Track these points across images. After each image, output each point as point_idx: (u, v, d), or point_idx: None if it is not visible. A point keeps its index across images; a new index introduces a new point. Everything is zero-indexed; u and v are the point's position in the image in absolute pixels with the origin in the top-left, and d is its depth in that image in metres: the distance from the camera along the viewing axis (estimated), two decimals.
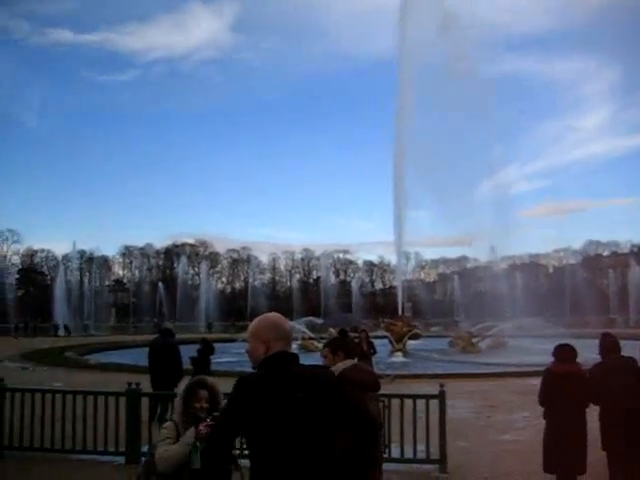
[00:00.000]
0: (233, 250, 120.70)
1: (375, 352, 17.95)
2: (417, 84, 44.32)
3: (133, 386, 10.01)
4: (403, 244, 46.24)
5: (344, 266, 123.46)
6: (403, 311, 43.49)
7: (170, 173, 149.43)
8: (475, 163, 49.15)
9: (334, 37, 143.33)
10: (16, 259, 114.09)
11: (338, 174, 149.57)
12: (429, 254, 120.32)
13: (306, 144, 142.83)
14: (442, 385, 9.57)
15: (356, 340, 15.70)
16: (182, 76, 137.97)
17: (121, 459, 9.84)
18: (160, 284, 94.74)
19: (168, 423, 5.00)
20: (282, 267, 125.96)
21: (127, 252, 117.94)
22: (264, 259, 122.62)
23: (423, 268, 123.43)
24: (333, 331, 37.59)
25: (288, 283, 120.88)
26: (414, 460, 9.28)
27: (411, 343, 37.21)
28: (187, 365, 14.46)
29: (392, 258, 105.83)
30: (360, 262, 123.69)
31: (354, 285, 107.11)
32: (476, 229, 50.05)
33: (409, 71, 43.95)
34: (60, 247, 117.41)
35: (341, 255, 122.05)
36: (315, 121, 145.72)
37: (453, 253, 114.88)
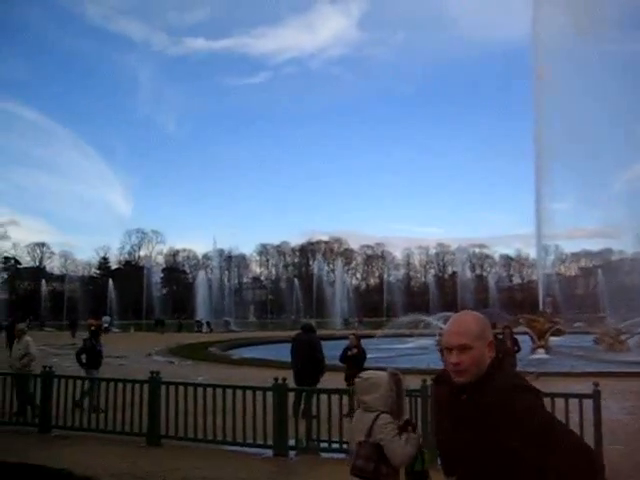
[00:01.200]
0: (367, 246, 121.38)
1: (519, 349, 17.43)
2: (554, 70, 42.52)
3: (280, 381, 10.24)
4: (543, 237, 44.48)
5: (480, 260, 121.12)
6: (544, 306, 41.92)
7: (304, 172, 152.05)
8: (620, 150, 46.53)
9: (463, 25, 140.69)
10: (160, 259, 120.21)
11: (472, 167, 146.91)
12: (569, 247, 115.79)
13: (438, 136, 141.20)
14: (596, 384, 9.10)
15: (499, 337, 15.30)
16: (312, 75, 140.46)
17: (269, 452, 10.09)
18: (296, 281, 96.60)
19: (388, 416, 4.68)
20: (417, 262, 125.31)
21: (264, 250, 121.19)
22: (398, 255, 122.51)
23: (563, 262, 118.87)
24: None
25: (423, 278, 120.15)
26: None
27: (553, 340, 35.84)
28: (334, 361, 14.69)
29: (530, 252, 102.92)
30: (497, 256, 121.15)
31: (491, 280, 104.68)
32: (621, 220, 47.34)
33: (545, 57, 42.21)
34: (200, 246, 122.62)
35: (477, 249, 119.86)
36: (448, 113, 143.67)
37: (594, 245, 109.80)
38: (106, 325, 66.34)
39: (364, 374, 4.90)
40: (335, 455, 9.98)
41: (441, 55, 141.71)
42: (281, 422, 10.07)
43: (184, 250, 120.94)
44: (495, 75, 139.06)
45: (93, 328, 16.77)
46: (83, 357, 14.89)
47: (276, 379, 10.28)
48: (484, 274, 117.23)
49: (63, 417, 11.58)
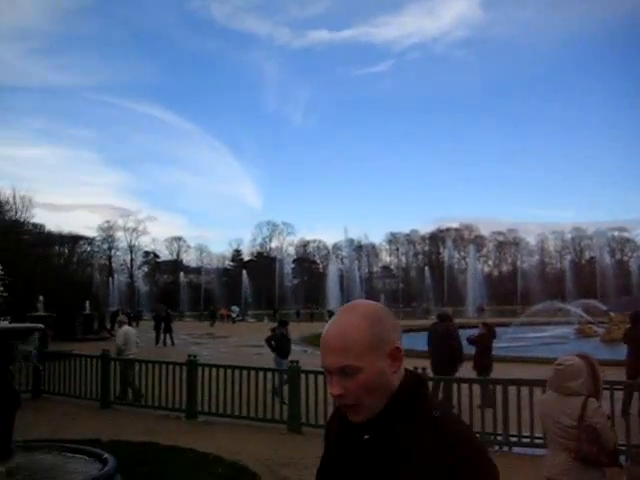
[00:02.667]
0: (499, 233, 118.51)
1: None
2: None
3: (419, 370, 10.13)
4: None
5: (620, 245, 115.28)
6: None
7: (432, 158, 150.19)
8: None
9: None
10: (291, 250, 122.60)
11: (608, 147, 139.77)
12: None
13: (569, 117, 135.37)
14: None
15: None
16: (436, 60, 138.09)
17: None
18: (426, 269, 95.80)
19: (595, 400, 4.70)
20: (551, 248, 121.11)
21: (393, 239, 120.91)
22: (532, 240, 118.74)
23: None
24: (613, 315, 35.22)
25: (558, 265, 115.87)
26: None
27: None
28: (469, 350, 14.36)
29: None
30: (638, 240, 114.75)
31: (633, 265, 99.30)
32: None
33: None
34: (330, 237, 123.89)
35: (616, 233, 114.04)
36: (582, 92, 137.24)
37: None
38: (234, 315, 68.70)
39: (563, 360, 4.83)
40: None
41: (572, 32, 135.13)
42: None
43: (314, 241, 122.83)
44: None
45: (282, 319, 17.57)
46: (273, 343, 15.30)
47: (415, 368, 10.17)
48: (624, 259, 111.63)
49: (208, 404, 12.00)
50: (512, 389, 9.69)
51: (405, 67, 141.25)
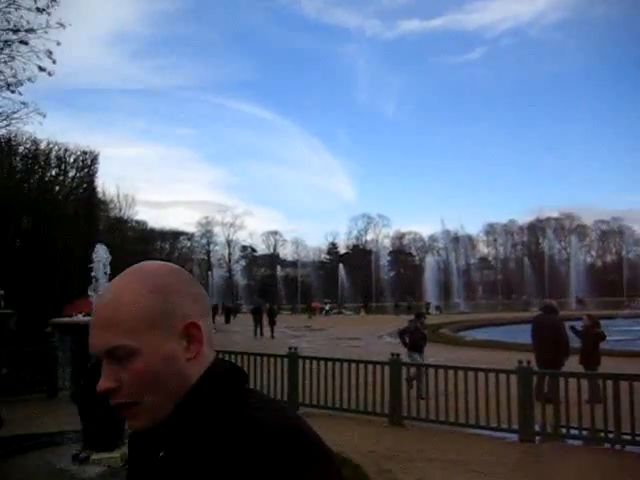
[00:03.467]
0: (602, 221, 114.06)
1: None
2: None
3: (524, 364, 9.88)
4: None
5: None
6: None
7: (529, 147, 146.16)
8: None
9: None
10: (387, 242, 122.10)
11: None
12: None
13: None
14: None
15: None
16: (531, 44, 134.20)
17: (514, 436, 9.80)
18: (525, 260, 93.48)
19: None
20: None
21: (491, 230, 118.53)
22: (638, 229, 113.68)
23: None
24: None
25: None
26: None
27: None
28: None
29: None
30: None
31: None
32: None
33: None
34: (426, 228, 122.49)
35: None
36: None
37: None
38: (326, 308, 69.38)
39: None
40: (578, 442, 9.63)
41: None
42: (527, 406, 9.72)
43: (410, 232, 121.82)
44: None
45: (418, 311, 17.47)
46: (406, 337, 14.41)
47: (520, 362, 9.94)
48: None
49: (309, 396, 12.10)
50: (624, 384, 9.28)
51: (499, 53, 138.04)
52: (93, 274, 7.46)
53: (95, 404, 7.03)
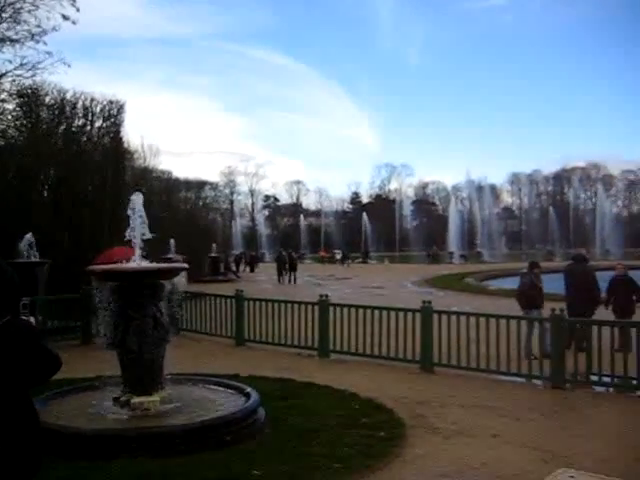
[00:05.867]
0: (629, 171, 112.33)
1: None
2: None
3: (557, 312, 9.90)
4: None
5: None
6: None
7: (555, 94, 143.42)
8: None
9: None
10: (410, 192, 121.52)
11: None
12: None
13: None
14: None
15: None
16: None
17: (545, 383, 9.91)
18: (550, 210, 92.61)
19: None
20: None
21: (515, 179, 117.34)
22: None
23: None
24: None
25: None
26: None
27: None
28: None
29: None
30: None
31: None
32: None
33: None
34: (450, 178, 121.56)
35: None
36: None
37: None
38: (338, 257, 69.97)
39: None
40: (608, 390, 9.78)
41: None
42: (559, 354, 9.77)
43: (433, 182, 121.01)
44: None
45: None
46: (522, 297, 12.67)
47: (553, 310, 9.96)
48: None
49: (340, 342, 12.24)
50: None
51: None
52: (131, 223, 7.51)
53: (135, 351, 7.19)
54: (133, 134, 54.40)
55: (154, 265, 7.86)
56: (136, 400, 7.24)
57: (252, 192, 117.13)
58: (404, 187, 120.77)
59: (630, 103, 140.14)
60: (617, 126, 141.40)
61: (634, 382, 9.45)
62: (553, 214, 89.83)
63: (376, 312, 11.96)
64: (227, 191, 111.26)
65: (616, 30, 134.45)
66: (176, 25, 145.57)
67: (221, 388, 8.24)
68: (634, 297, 12.56)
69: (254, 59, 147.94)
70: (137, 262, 7.60)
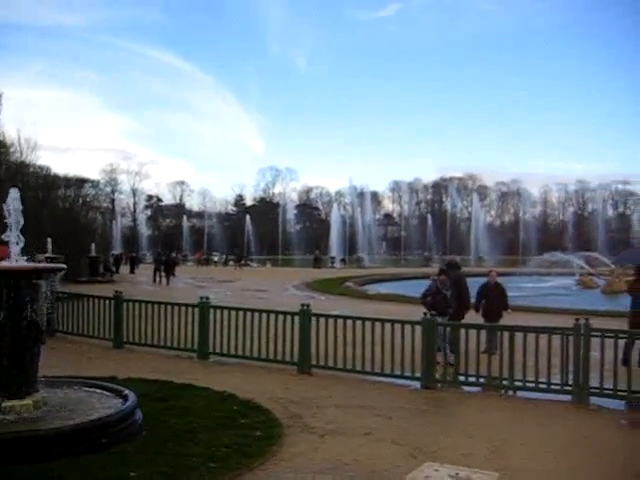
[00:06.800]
0: (502, 183, 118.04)
1: None
2: None
3: (428, 316, 10.39)
4: None
5: (623, 198, 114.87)
6: None
7: (437, 107, 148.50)
8: None
9: None
10: (294, 196, 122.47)
11: (614, 99, 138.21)
12: None
13: (577, 67, 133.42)
14: None
15: None
16: (443, 4, 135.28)
17: (416, 384, 10.35)
18: (429, 217, 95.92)
19: None
20: (554, 200, 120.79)
21: (396, 187, 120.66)
22: (535, 192, 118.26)
23: None
24: (615, 268, 35.49)
25: (561, 216, 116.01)
26: None
27: None
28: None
29: None
30: None
31: (635, 219, 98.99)
32: None
33: None
34: (333, 183, 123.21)
35: (620, 186, 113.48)
36: (586, 42, 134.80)
37: None
38: (216, 259, 70.58)
39: None
40: (474, 389, 10.40)
41: None
42: (430, 356, 10.26)
43: (317, 187, 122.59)
44: None
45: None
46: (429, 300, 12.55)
47: (425, 313, 10.45)
48: (627, 212, 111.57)
49: (220, 345, 12.29)
50: (519, 335, 9.95)
51: (412, 11, 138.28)
52: (7, 220, 7.31)
53: (7, 353, 6.99)
54: (9, 126, 51.92)
55: (29, 265, 7.67)
56: (8, 404, 7.04)
57: (134, 191, 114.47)
58: (288, 191, 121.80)
59: (505, 118, 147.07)
60: (493, 139, 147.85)
61: (498, 382, 10.10)
62: (431, 221, 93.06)
63: (256, 315, 12.07)
64: (108, 189, 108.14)
65: (494, 40, 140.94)
66: (62, 14, 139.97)
67: (98, 391, 8.12)
68: (503, 303, 13.34)
69: (143, 57, 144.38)
70: (12, 261, 7.40)
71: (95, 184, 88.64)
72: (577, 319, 9.61)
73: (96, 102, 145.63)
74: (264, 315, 12.00)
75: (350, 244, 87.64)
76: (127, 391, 7.74)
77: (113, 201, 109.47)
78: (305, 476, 6.19)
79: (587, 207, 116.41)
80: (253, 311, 12.31)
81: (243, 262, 67.22)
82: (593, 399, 9.37)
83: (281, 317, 11.72)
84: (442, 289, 12.43)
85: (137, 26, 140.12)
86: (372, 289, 34.02)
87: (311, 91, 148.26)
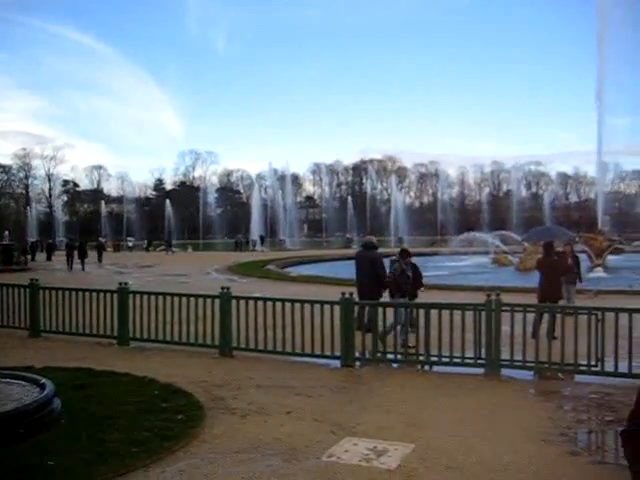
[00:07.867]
0: (421, 164, 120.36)
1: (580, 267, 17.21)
2: None
3: (347, 296, 10.59)
4: (603, 153, 43.48)
5: (536, 178, 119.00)
6: (602, 225, 41.28)
7: (356, 89, 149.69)
8: None
9: None
10: (214, 179, 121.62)
11: (528, 82, 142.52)
12: (630, 165, 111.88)
13: (491, 47, 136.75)
14: None
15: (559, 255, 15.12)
16: None
17: (336, 363, 10.56)
18: (349, 199, 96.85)
19: None
20: (471, 181, 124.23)
21: (317, 169, 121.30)
22: (452, 173, 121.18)
23: (623, 180, 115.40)
24: (527, 245, 36.77)
25: (477, 197, 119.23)
26: (631, 375, 9.04)
27: (611, 259, 35.47)
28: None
29: (589, 169, 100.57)
30: (553, 174, 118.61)
31: (546, 198, 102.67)
32: None
33: None
34: (254, 166, 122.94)
35: (532, 167, 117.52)
36: (503, 25, 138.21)
37: None
38: (130, 244, 70.70)
39: None
40: (393, 366, 10.70)
41: None
42: (348, 335, 10.48)
43: (238, 170, 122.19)
44: None
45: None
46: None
47: (343, 293, 10.64)
48: (540, 192, 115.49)
49: (140, 330, 12.20)
50: (434, 312, 10.29)
51: None
52: None
53: None
54: None
55: None
56: None
57: (49, 176, 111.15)
58: (209, 174, 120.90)
59: (423, 99, 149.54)
60: (411, 121, 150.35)
61: (415, 357, 10.44)
62: (351, 203, 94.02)
63: (176, 299, 12.02)
64: (22, 175, 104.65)
65: (412, 24, 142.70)
66: None
67: (14, 380, 7.99)
68: (417, 282, 13.69)
69: (57, 37, 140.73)
70: None
71: (7, 169, 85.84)
72: (488, 295, 10.00)
73: (6, 83, 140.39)
74: (184, 299, 11.97)
75: (271, 227, 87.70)
76: (44, 380, 7.63)
77: (27, 187, 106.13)
78: (226, 456, 6.28)
79: (502, 187, 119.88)
80: (173, 295, 12.25)
81: (166, 247, 66.74)
82: (504, 371, 9.78)
83: (201, 300, 11.72)
84: (406, 270, 12.59)
85: (49, 5, 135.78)
86: (294, 271, 34.20)
87: (230, 73, 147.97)
